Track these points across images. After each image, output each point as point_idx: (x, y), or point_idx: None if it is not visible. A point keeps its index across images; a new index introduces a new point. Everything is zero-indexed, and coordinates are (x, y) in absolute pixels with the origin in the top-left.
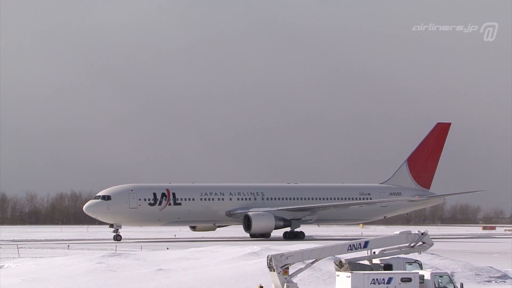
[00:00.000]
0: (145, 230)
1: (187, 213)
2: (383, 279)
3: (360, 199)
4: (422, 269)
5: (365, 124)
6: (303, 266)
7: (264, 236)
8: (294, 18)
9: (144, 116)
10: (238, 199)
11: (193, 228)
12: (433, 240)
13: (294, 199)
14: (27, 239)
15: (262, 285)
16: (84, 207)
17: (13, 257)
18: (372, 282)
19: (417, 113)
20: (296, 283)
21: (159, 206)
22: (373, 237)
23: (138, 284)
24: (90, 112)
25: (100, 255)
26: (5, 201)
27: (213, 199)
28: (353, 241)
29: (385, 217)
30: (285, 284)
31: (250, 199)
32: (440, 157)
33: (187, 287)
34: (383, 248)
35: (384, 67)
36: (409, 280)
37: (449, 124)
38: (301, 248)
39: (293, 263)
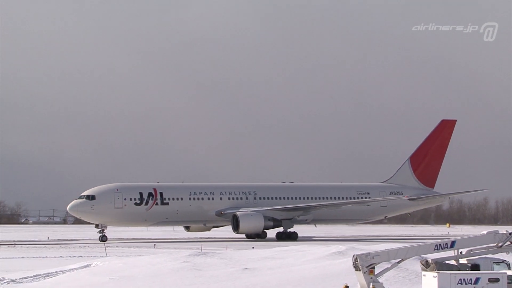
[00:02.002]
0: (132, 230)
1: (175, 213)
2: (470, 279)
3: (358, 198)
4: (510, 269)
5: (366, 122)
6: (389, 265)
7: (259, 236)
8: (292, 18)
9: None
10: (229, 198)
11: (187, 228)
12: None
13: (288, 198)
14: (114, 238)
15: (348, 285)
16: (68, 207)
17: (100, 256)
18: (459, 282)
19: (419, 111)
20: (382, 283)
21: (146, 206)
22: (460, 237)
23: (224, 283)
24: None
25: (186, 254)
26: None
27: (202, 199)
28: (439, 240)
29: (385, 217)
30: (371, 283)
31: (241, 198)
32: (446, 156)
33: (272, 286)
34: (470, 248)
35: (384, 67)
36: (496, 280)
37: (454, 121)
38: (387, 248)
39: (378, 263)
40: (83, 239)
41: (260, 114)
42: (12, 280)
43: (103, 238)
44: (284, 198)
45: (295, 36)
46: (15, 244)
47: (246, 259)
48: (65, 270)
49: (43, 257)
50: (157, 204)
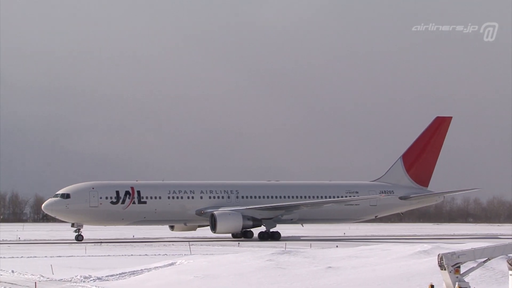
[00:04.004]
0: (108, 228)
1: (153, 212)
2: None
3: (347, 197)
4: None
5: (359, 120)
6: (474, 265)
7: (245, 236)
8: (292, 17)
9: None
10: (209, 197)
11: (172, 228)
12: None
13: (272, 197)
14: (198, 236)
15: (433, 284)
16: (43, 205)
17: (185, 254)
18: None
19: (416, 110)
20: (467, 282)
21: (123, 205)
22: None
23: (308, 281)
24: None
25: (269, 252)
26: None
27: (182, 198)
28: None
29: (376, 216)
30: (457, 283)
31: (223, 197)
32: (441, 153)
33: (356, 285)
34: None
35: (383, 67)
36: None
37: (450, 118)
38: (472, 247)
39: (464, 262)
40: (167, 238)
41: (249, 112)
42: (98, 278)
43: (79, 238)
44: (268, 197)
45: (295, 36)
46: (101, 243)
47: (329, 258)
48: (150, 268)
49: (129, 255)
50: (134, 203)
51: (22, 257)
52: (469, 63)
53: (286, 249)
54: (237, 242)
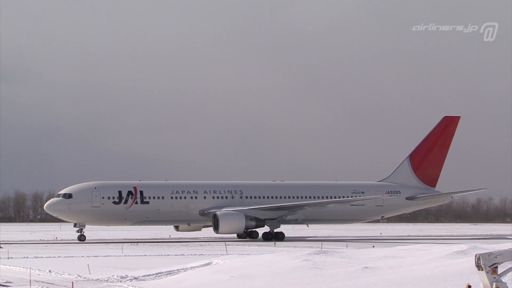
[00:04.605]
0: (111, 229)
1: (156, 212)
2: None
3: (349, 198)
4: None
5: (364, 121)
6: None
7: (251, 236)
8: (291, 18)
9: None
10: (213, 197)
11: (177, 228)
12: None
13: (276, 197)
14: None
15: (470, 285)
16: (45, 205)
17: (221, 254)
18: None
19: (419, 109)
20: (505, 283)
21: (125, 205)
22: None
23: (344, 282)
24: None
25: (306, 252)
26: None
27: (185, 198)
28: None
29: (382, 217)
30: (494, 283)
31: (227, 197)
32: (449, 153)
33: (393, 285)
34: None
35: (383, 67)
36: None
37: (458, 118)
38: (510, 247)
39: (502, 262)
40: (203, 238)
41: (253, 114)
42: (135, 278)
43: (81, 238)
44: (272, 197)
45: (295, 36)
46: (137, 242)
47: (366, 258)
48: (187, 268)
49: (165, 255)
50: (136, 203)
51: (59, 256)
52: (469, 63)
53: (323, 249)
54: (273, 242)
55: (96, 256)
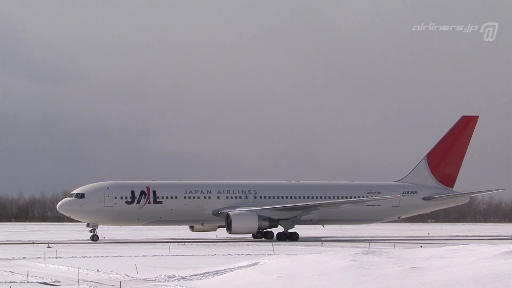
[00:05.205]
0: (125, 229)
1: (169, 212)
2: None
3: (362, 198)
4: None
5: (381, 120)
6: None
7: (266, 236)
8: (291, 19)
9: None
10: (227, 197)
11: (192, 228)
12: None
13: (291, 197)
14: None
15: None
16: (57, 205)
17: (268, 254)
18: None
19: (435, 110)
20: None
21: (138, 205)
22: None
23: (392, 282)
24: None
25: (353, 252)
26: None
27: (198, 198)
28: None
29: (399, 217)
30: None
31: (240, 197)
32: (467, 153)
33: (441, 286)
34: None
35: (383, 67)
36: None
37: (476, 118)
38: None
39: None
40: (249, 237)
41: (270, 113)
42: (182, 277)
43: (94, 238)
44: (286, 197)
45: (297, 37)
46: (185, 242)
47: (413, 258)
48: (234, 268)
49: (212, 255)
50: (149, 203)
51: (107, 256)
52: (469, 63)
53: (370, 249)
54: (320, 242)
55: (144, 255)
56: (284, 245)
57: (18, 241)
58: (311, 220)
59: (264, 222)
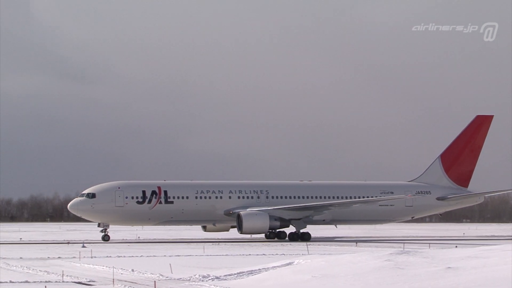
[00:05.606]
0: (134, 229)
1: (180, 212)
2: None
3: (374, 198)
4: None
5: (395, 120)
6: None
7: (279, 236)
8: (293, 19)
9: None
10: (238, 197)
11: (204, 228)
12: None
13: (303, 197)
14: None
15: None
16: (68, 205)
17: (302, 254)
18: None
19: (449, 109)
20: None
21: (149, 205)
22: None
23: (427, 282)
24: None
25: (387, 252)
26: None
27: (210, 198)
28: None
29: (412, 217)
30: None
31: (252, 197)
32: (482, 153)
33: (476, 286)
34: None
35: (395, 67)
36: None
37: (491, 117)
38: None
39: None
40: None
41: (283, 112)
42: (217, 277)
43: (105, 238)
44: (299, 197)
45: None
46: (219, 242)
47: (448, 258)
48: (268, 268)
49: (247, 255)
50: (161, 202)
51: (142, 256)
52: (469, 63)
53: (405, 249)
54: (355, 241)
55: (178, 255)
56: (319, 245)
57: (53, 240)
58: (323, 220)
59: (276, 222)
